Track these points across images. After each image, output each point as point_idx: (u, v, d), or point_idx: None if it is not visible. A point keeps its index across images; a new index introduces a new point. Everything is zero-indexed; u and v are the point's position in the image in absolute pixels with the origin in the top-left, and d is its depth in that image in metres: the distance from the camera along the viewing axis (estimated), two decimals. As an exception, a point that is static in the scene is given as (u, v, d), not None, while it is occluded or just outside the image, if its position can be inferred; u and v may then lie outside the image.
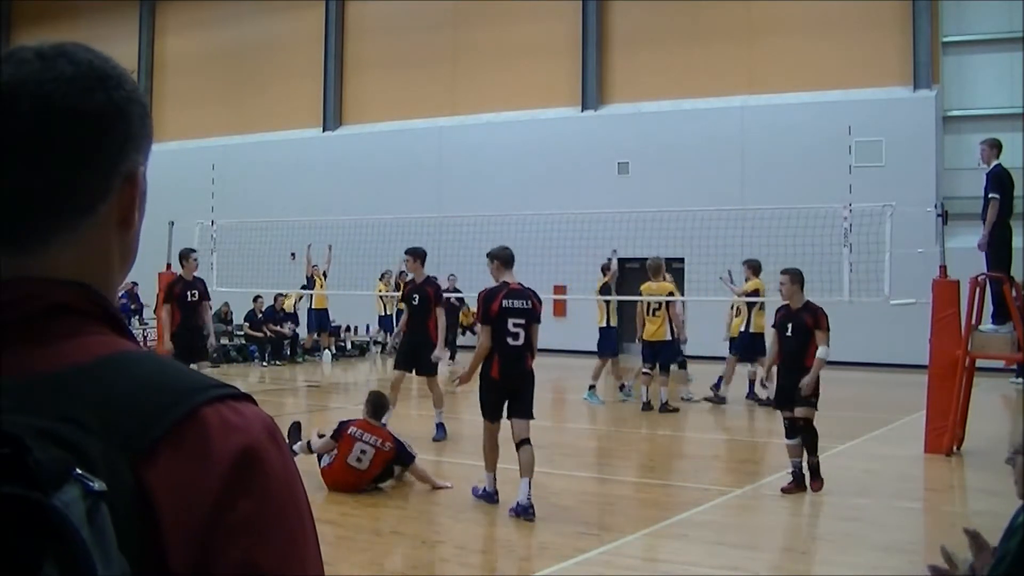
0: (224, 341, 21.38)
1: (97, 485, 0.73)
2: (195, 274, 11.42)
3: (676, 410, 12.98)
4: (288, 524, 0.85)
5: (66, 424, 0.77)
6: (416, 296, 10.36)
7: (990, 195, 10.30)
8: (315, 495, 7.59)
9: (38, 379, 0.81)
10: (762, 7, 22.17)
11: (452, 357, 18.13)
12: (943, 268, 10.56)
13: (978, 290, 10.17)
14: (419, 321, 10.37)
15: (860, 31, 21.37)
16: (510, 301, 7.37)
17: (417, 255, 10.43)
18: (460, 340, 20.82)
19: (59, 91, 0.86)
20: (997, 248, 10.30)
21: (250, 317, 20.90)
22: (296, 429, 9.24)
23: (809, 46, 21.71)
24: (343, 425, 8.14)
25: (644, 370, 13.04)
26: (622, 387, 14.42)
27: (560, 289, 19.26)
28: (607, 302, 14.41)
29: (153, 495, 0.79)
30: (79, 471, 0.73)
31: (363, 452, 7.95)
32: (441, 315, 10.31)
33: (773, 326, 8.55)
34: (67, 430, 0.77)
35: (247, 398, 0.88)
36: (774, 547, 6.53)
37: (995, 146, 10.57)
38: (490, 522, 7.19)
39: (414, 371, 10.58)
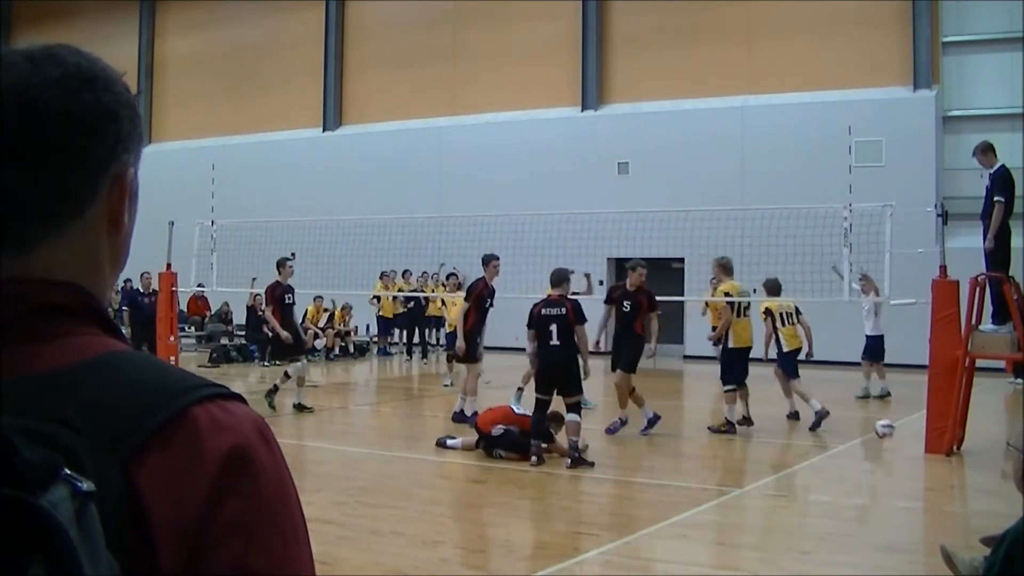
0: (224, 341, 21.44)
1: (85, 485, 0.72)
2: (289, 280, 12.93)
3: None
4: (279, 524, 0.85)
5: (55, 425, 0.77)
6: (628, 303, 11.10)
7: (995, 198, 10.21)
8: (315, 495, 7.59)
9: (28, 379, 0.81)
10: (762, 7, 22.16)
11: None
12: (943, 268, 10.54)
13: (978, 290, 10.15)
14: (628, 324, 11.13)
15: (860, 31, 21.37)
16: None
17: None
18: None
19: (46, 94, 0.86)
20: (998, 248, 10.27)
21: (250, 316, 20.86)
22: None
23: (809, 46, 21.71)
24: None
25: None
26: None
27: (560, 289, 19.21)
28: None
29: (142, 495, 0.78)
30: (67, 471, 0.72)
31: None
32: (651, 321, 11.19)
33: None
34: (56, 430, 0.76)
35: (237, 398, 0.88)
36: (774, 547, 6.52)
37: (987, 150, 10.43)
38: (490, 522, 7.19)
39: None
